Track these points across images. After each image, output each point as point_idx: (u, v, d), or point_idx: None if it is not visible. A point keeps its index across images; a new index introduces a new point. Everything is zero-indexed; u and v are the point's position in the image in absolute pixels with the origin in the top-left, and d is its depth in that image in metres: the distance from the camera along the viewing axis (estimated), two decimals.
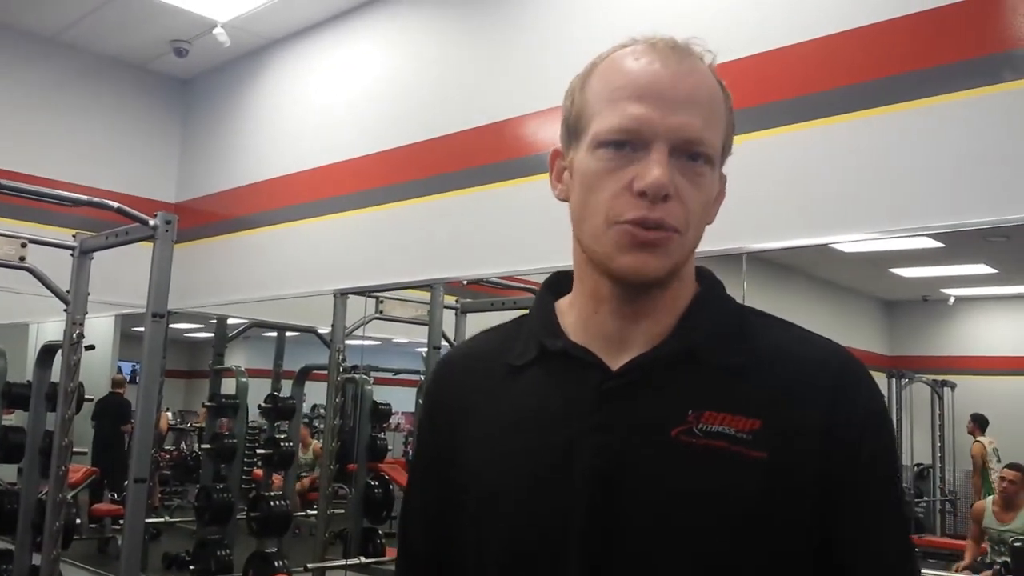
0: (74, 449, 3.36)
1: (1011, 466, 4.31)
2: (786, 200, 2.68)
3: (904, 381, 5.58)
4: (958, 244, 2.83)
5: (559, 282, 0.97)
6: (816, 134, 2.61)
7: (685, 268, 0.88)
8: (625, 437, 0.82)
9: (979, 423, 5.50)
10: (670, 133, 0.81)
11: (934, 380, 5.55)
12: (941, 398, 5.59)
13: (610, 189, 0.83)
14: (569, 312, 0.92)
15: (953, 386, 5.57)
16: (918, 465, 5.88)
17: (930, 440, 5.74)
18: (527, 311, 0.97)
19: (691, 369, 0.84)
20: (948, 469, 5.87)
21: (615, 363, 0.86)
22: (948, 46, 2.38)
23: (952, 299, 4.67)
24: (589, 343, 0.88)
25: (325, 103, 4.46)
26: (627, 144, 0.82)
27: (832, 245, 2.91)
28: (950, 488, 5.90)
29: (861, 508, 0.82)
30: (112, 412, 6.23)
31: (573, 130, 0.88)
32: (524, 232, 3.32)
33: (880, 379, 5.58)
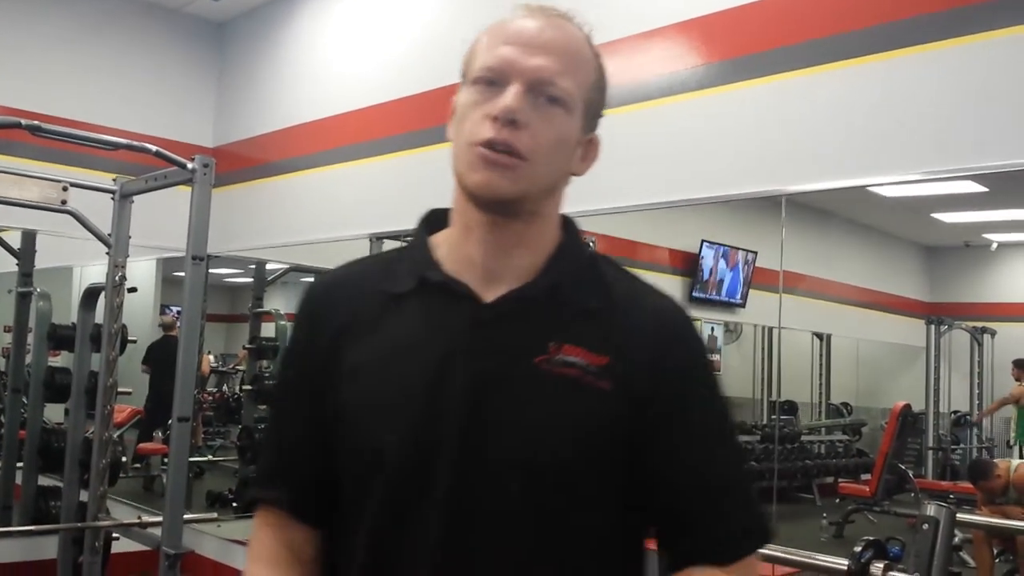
0: (119, 389, 3.43)
1: None
2: (825, 141, 2.63)
3: (943, 328, 5.53)
4: (1002, 188, 2.77)
5: (434, 218, 1.06)
6: (855, 73, 2.55)
7: (545, 207, 0.99)
8: (494, 362, 0.94)
9: (1023, 368, 5.45)
10: (527, 72, 0.94)
11: (974, 327, 5.49)
12: (981, 345, 5.54)
13: (474, 118, 0.95)
14: (442, 245, 1.02)
15: (993, 333, 5.51)
16: (955, 412, 5.83)
17: (968, 387, 5.68)
18: (405, 243, 1.07)
19: (554, 307, 0.96)
20: (987, 417, 5.82)
21: (487, 295, 0.97)
22: None
23: (995, 245, 4.60)
24: (461, 273, 0.98)
25: (359, 46, 4.43)
26: (495, 82, 0.95)
27: (872, 189, 2.86)
28: (987, 436, 5.86)
29: (683, 426, 0.97)
30: (169, 352, 6.34)
31: (463, 75, 1.00)
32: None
33: (918, 325, 5.53)
